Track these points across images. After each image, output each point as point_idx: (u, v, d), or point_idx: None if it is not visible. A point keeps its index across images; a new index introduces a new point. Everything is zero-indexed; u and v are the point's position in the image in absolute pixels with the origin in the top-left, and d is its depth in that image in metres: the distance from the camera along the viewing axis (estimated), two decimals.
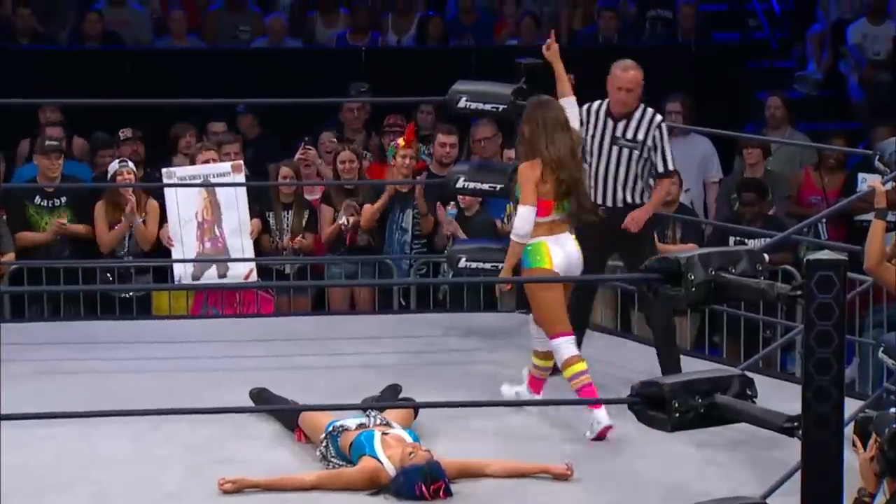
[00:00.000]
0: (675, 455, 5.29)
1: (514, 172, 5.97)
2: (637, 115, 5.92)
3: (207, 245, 7.57)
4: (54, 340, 6.77)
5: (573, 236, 5.64)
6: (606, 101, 6.05)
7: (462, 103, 7.01)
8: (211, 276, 7.49)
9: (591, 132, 5.95)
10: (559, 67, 5.99)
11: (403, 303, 7.84)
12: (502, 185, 7.08)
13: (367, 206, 7.73)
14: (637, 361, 6.35)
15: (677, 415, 3.58)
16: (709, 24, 10.70)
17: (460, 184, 7.13)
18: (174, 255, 7.49)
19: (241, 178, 7.63)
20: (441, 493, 4.91)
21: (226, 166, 7.63)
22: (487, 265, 7.09)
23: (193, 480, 5.09)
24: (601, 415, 5.46)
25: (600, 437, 5.45)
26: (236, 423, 5.59)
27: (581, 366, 5.49)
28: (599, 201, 5.92)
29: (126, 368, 6.40)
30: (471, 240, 7.43)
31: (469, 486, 5.02)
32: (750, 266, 3.64)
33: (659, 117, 5.94)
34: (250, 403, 5.70)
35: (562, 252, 5.60)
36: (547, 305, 5.59)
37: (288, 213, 7.89)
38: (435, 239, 7.80)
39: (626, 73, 5.92)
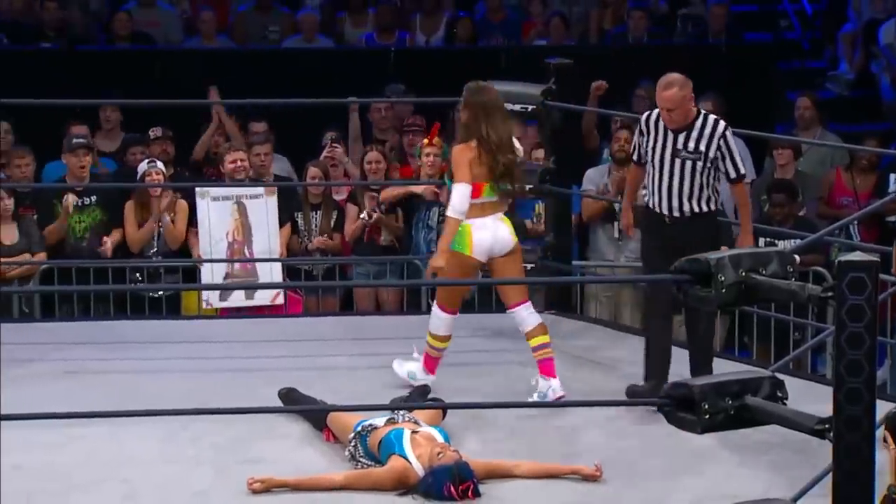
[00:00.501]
0: (704, 457, 5.27)
1: (534, 173, 6.04)
2: (698, 124, 5.72)
3: (237, 266, 7.61)
4: (84, 340, 6.80)
5: (505, 218, 5.89)
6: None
7: None
8: (238, 299, 7.52)
9: (650, 143, 5.78)
10: None
11: (431, 303, 7.83)
12: (531, 186, 7.09)
13: (387, 190, 7.74)
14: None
15: (707, 416, 3.57)
16: (740, 25, 10.67)
17: None
18: (203, 276, 7.52)
19: (273, 201, 7.63)
20: (469, 493, 4.91)
21: (259, 190, 7.65)
22: None
23: (222, 480, 5.10)
24: (556, 384, 5.76)
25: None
26: (265, 423, 5.61)
27: (445, 345, 5.97)
28: (665, 211, 5.76)
29: (155, 368, 6.42)
30: None
31: (497, 487, 5.01)
32: (780, 267, 3.63)
33: (722, 126, 5.72)
34: (279, 403, 5.71)
35: (488, 235, 5.81)
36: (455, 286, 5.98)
37: (316, 214, 7.91)
38: None
39: (665, 93, 5.68)
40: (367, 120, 8.93)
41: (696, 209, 5.75)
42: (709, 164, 5.71)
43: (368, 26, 10.50)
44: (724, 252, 3.64)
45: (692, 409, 3.61)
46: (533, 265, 7.10)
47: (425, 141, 7.78)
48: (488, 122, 5.75)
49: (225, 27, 10.54)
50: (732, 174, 5.74)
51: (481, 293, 7.77)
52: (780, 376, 3.53)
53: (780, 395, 3.57)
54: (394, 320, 7.39)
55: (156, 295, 7.59)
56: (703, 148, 5.68)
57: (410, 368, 6.08)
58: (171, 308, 7.65)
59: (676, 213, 5.75)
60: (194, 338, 6.79)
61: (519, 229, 7.71)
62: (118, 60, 9.66)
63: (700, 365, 5.81)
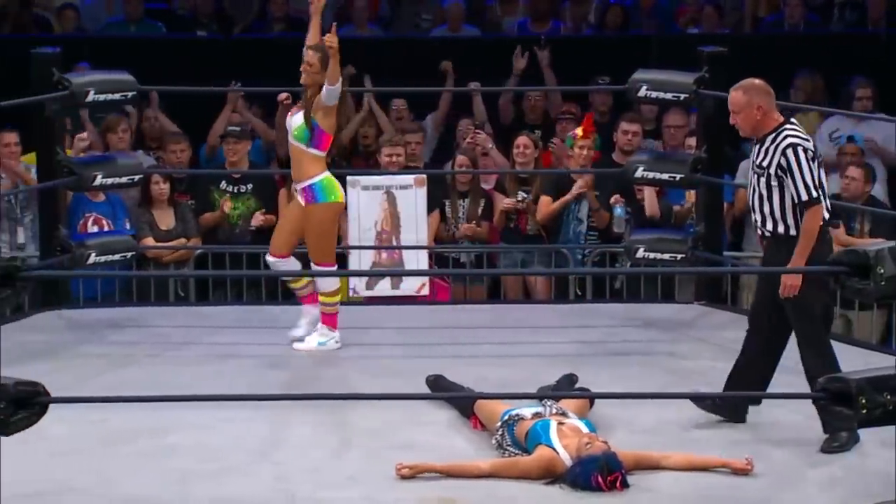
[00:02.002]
0: (863, 454, 5.17)
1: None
2: (770, 138, 5.31)
3: (384, 255, 7.69)
4: (236, 324, 6.92)
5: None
6: None
7: (642, 92, 6.99)
8: (384, 289, 7.59)
9: (751, 157, 5.50)
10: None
11: (579, 292, 7.83)
12: (682, 175, 7.04)
13: (544, 199, 7.73)
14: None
15: (864, 411, 3.52)
16: None
17: (639, 173, 7.12)
18: (350, 265, 7.62)
19: (422, 192, 7.69)
20: (618, 484, 4.89)
21: (409, 179, 7.70)
22: (666, 256, 7.06)
23: (371, 464, 5.15)
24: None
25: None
26: (413, 410, 5.65)
27: (338, 297, 6.48)
28: (758, 229, 5.43)
29: (302, 354, 6.50)
30: (649, 230, 7.39)
31: (646, 479, 4.98)
32: None
33: (788, 141, 5.23)
34: (426, 390, 5.76)
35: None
36: (329, 236, 6.35)
37: (464, 202, 7.95)
38: (610, 228, 7.77)
39: (731, 94, 5.37)
40: (521, 108, 8.96)
41: (771, 228, 5.34)
42: (773, 182, 5.28)
43: (518, 14, 10.49)
44: (884, 243, 3.58)
45: (849, 404, 3.56)
46: (683, 255, 7.04)
47: (578, 131, 7.77)
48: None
49: (377, 15, 10.63)
50: (796, 197, 5.25)
51: (629, 282, 7.73)
52: None
53: None
54: (542, 309, 7.39)
55: None
56: (765, 163, 5.29)
57: (316, 340, 6.44)
58: None
59: (759, 232, 5.43)
60: (342, 324, 6.87)
61: (666, 214, 7.69)
62: (273, 48, 9.79)
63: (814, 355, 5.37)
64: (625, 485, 4.90)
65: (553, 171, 7.91)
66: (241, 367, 6.28)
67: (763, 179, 5.29)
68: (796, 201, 5.25)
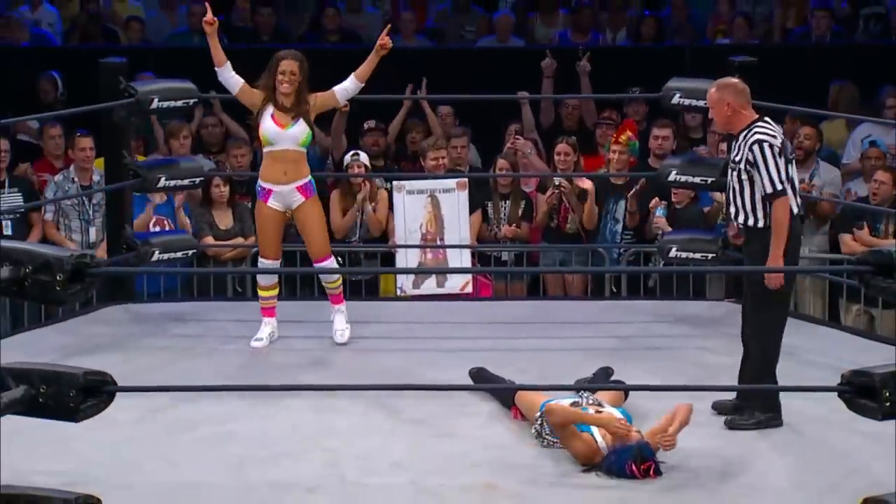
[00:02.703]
0: (880, 441, 5.14)
1: None
2: (742, 135, 5.34)
3: (429, 256, 7.70)
4: (290, 318, 6.94)
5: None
6: None
7: (675, 99, 6.97)
8: (430, 287, 7.61)
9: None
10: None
11: (615, 290, 7.81)
12: (713, 179, 7.01)
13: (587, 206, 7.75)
14: (846, 351, 6.19)
15: (888, 404, 3.50)
16: None
17: (672, 177, 7.09)
18: (398, 263, 7.66)
19: (464, 195, 7.69)
20: (651, 472, 4.88)
21: (451, 183, 7.71)
22: (698, 255, 7.03)
23: (416, 452, 5.17)
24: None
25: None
26: (456, 400, 5.66)
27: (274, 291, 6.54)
28: (735, 223, 5.48)
29: (355, 347, 6.52)
30: (682, 230, 7.37)
31: (677, 471, 4.97)
32: None
33: (756, 136, 5.26)
34: (469, 382, 5.76)
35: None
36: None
37: (505, 203, 7.95)
38: (645, 228, 7.76)
39: (707, 93, 5.43)
40: (559, 115, 8.95)
41: (745, 222, 5.36)
42: (743, 177, 5.30)
43: (559, 26, 10.47)
44: None
45: (873, 396, 3.54)
46: (714, 255, 7.02)
47: (613, 138, 7.77)
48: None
49: (424, 27, 10.64)
50: (762, 190, 5.27)
51: (662, 280, 7.71)
52: None
53: None
54: (579, 305, 7.38)
55: (357, 278, 7.72)
56: (737, 158, 5.33)
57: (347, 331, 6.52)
58: (369, 291, 7.77)
59: (735, 223, 5.46)
60: (392, 318, 6.88)
61: (700, 220, 7.67)
62: (326, 57, 9.83)
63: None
64: (658, 473, 4.89)
65: (582, 175, 7.88)
66: (294, 359, 6.30)
67: (734, 174, 5.37)
68: (763, 194, 5.29)
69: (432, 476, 4.91)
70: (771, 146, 5.27)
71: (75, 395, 3.64)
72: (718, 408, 5.49)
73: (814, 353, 5.89)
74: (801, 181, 7.65)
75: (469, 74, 9.27)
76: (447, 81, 8.79)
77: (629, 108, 8.84)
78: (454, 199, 7.70)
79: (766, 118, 5.40)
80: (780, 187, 5.27)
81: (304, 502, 4.67)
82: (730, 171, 5.41)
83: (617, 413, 5.10)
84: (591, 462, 4.96)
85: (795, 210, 5.34)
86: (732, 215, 5.44)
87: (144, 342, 6.60)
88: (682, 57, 9.54)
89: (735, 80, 5.45)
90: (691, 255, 7.04)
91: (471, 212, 7.76)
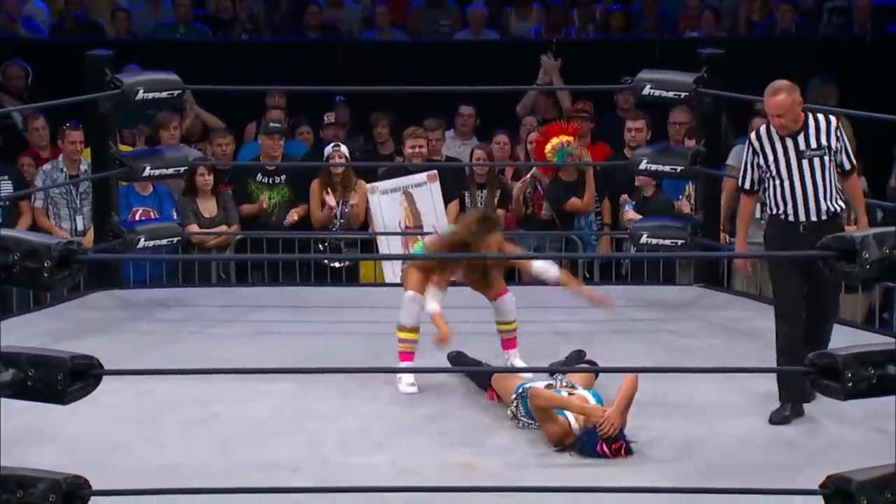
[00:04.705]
0: (843, 420, 5.16)
1: None
2: (811, 124, 5.30)
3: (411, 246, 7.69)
4: (274, 304, 6.94)
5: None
6: (767, 122, 5.41)
7: (647, 90, 6.97)
8: None
9: (772, 156, 5.32)
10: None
11: (588, 275, 7.82)
12: (683, 167, 7.02)
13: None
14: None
15: (850, 384, 3.51)
16: (884, 17, 10.37)
17: (643, 165, 7.11)
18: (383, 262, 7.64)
19: (436, 186, 7.68)
20: (623, 452, 4.89)
21: (422, 176, 7.70)
22: (668, 241, 7.05)
23: (397, 433, 5.17)
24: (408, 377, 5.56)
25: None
26: (434, 383, 5.65)
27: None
28: (802, 218, 5.29)
29: (336, 330, 6.52)
30: (653, 217, 7.38)
31: (648, 446, 4.98)
32: None
33: (834, 119, 5.33)
34: (448, 365, 5.75)
35: None
36: None
37: (482, 192, 7.94)
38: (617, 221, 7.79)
39: (773, 99, 5.25)
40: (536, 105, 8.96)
41: (833, 209, 5.29)
42: (832, 158, 5.28)
43: (533, 20, 10.46)
44: (870, 230, 3.56)
45: (836, 377, 3.55)
46: (683, 241, 7.03)
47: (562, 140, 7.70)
48: None
49: (400, 21, 10.61)
50: (847, 165, 5.30)
51: (634, 266, 7.71)
52: None
53: None
54: (553, 290, 7.35)
55: (337, 265, 7.71)
56: (825, 142, 5.26)
57: None
58: (350, 277, 7.76)
59: (814, 218, 5.28)
60: (371, 304, 6.87)
61: (668, 208, 7.68)
62: (307, 50, 9.82)
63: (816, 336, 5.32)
64: (629, 452, 4.90)
65: (557, 164, 7.86)
66: (277, 343, 6.29)
67: (825, 159, 5.27)
68: (847, 168, 5.32)
69: (412, 456, 4.91)
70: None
71: (63, 379, 3.62)
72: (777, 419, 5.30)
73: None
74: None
75: (444, 67, 9.26)
76: (422, 75, 8.79)
77: (619, 98, 8.81)
78: (427, 192, 7.71)
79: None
80: (855, 163, 5.39)
81: (287, 482, 4.66)
82: (804, 162, 5.26)
83: (589, 395, 5.10)
84: (562, 443, 4.96)
85: None
86: (813, 209, 5.26)
87: (130, 327, 6.58)
88: (653, 49, 9.54)
89: (786, 81, 5.30)
90: (661, 241, 7.06)
91: (448, 201, 7.75)
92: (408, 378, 5.59)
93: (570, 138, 7.66)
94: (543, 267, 5.77)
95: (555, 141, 7.65)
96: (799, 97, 5.28)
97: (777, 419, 5.24)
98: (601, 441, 4.87)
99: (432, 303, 5.61)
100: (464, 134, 8.65)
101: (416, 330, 5.68)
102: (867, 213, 5.54)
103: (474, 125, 8.69)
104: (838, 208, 5.31)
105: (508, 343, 5.82)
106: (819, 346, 5.12)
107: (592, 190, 7.73)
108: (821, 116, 5.33)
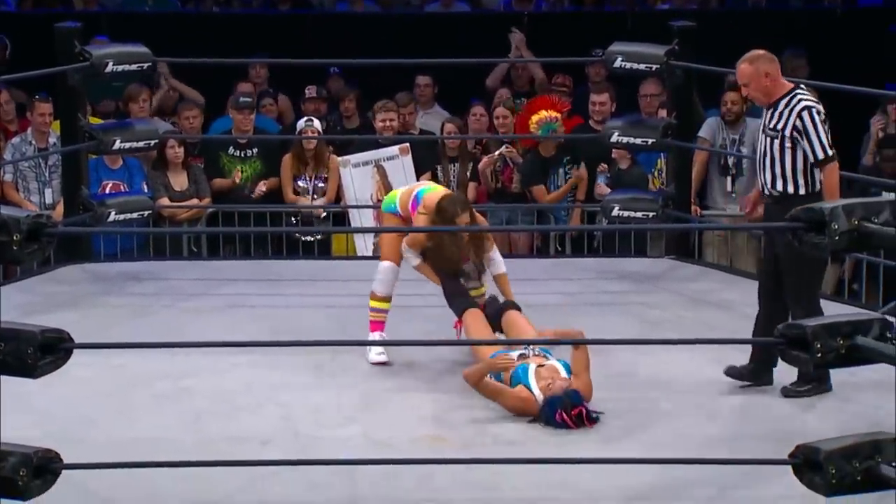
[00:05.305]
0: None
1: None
2: (783, 102, 5.23)
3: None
4: (245, 277, 6.92)
5: None
6: None
7: (618, 63, 6.97)
8: None
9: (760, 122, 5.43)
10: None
11: (560, 248, 7.83)
12: (654, 140, 7.03)
13: (538, 190, 7.73)
14: None
15: (819, 355, 3.54)
16: None
17: (614, 138, 7.11)
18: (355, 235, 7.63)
19: (408, 159, 7.66)
20: (585, 419, 4.88)
21: (394, 149, 7.68)
22: (639, 214, 7.06)
23: (368, 406, 5.17)
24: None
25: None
26: (408, 355, 5.66)
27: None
28: (763, 189, 5.34)
29: (307, 304, 6.51)
30: (623, 190, 7.39)
31: (619, 417, 5.00)
32: (892, 216, 3.56)
33: (804, 103, 5.18)
34: (422, 337, 5.76)
35: None
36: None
37: (454, 166, 7.93)
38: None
39: (738, 67, 5.26)
40: (510, 77, 8.92)
41: (781, 188, 5.25)
42: (787, 144, 5.20)
43: None
44: (839, 201, 3.58)
45: (805, 348, 3.58)
46: (654, 213, 7.05)
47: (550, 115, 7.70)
48: None
49: None
50: (813, 157, 5.19)
51: (605, 238, 7.73)
52: (890, 318, 3.47)
53: (889, 335, 3.51)
54: (525, 262, 7.39)
55: (309, 238, 7.69)
56: (779, 126, 5.21)
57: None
58: (322, 251, 7.74)
59: (767, 192, 5.31)
60: (343, 277, 6.86)
61: (641, 181, 7.69)
62: (274, 23, 9.77)
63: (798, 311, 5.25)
64: (592, 420, 4.90)
65: (529, 136, 7.85)
66: (248, 317, 6.28)
67: (777, 142, 5.22)
68: (812, 161, 5.19)
69: (382, 429, 4.92)
70: (819, 112, 5.19)
71: (33, 353, 3.61)
72: (734, 374, 5.34)
73: (751, 307, 5.92)
74: (734, 141, 7.71)
75: (415, 40, 9.23)
76: (394, 47, 8.75)
77: (591, 70, 8.79)
78: (399, 165, 7.69)
79: (802, 85, 5.32)
80: (830, 153, 5.18)
81: (259, 454, 4.66)
82: (765, 138, 5.25)
83: (559, 364, 5.11)
84: (527, 414, 4.98)
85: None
86: (768, 183, 5.26)
87: (101, 300, 6.55)
88: (625, 22, 9.54)
89: (762, 50, 5.27)
90: (633, 213, 7.08)
91: (420, 175, 7.73)
92: (377, 347, 5.59)
93: (558, 115, 7.67)
94: (498, 260, 5.78)
95: (543, 114, 7.65)
96: (767, 68, 5.21)
97: (789, 393, 5.21)
98: (560, 410, 4.88)
99: (415, 258, 5.66)
100: (424, 104, 8.60)
101: (388, 299, 5.68)
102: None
103: (432, 94, 8.64)
104: (791, 190, 5.22)
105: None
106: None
107: (564, 193, 7.72)
108: (796, 98, 5.21)
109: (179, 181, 7.75)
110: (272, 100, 8.54)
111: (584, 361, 5.06)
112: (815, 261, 5.17)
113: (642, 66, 6.94)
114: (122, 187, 7.58)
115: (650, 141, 7.05)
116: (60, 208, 7.26)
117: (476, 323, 5.46)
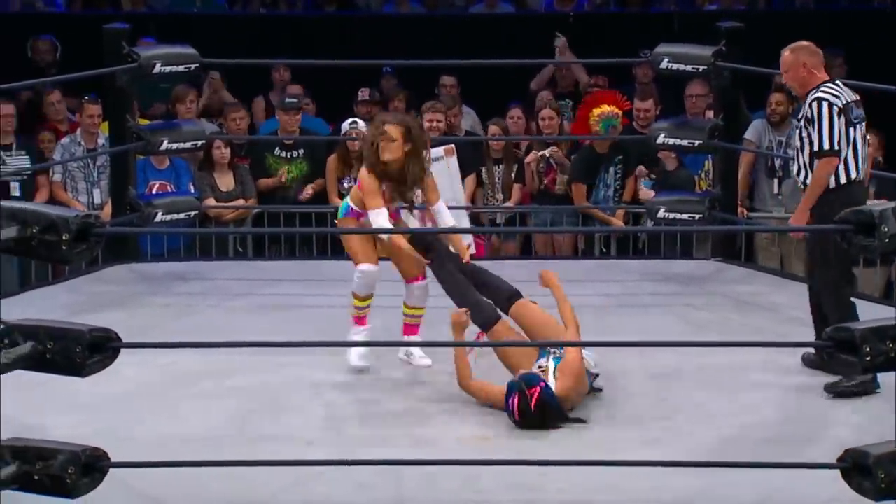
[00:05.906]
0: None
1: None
2: (811, 94, 5.23)
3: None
4: (290, 277, 6.94)
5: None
6: None
7: (664, 64, 6.94)
8: None
9: None
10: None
11: (605, 250, 7.81)
12: (701, 141, 6.99)
13: (578, 188, 7.70)
14: None
15: (868, 358, 3.50)
16: None
17: (661, 140, 7.08)
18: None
19: (453, 160, 7.63)
20: (536, 398, 4.80)
21: (439, 150, 7.65)
22: (685, 216, 7.03)
23: (413, 405, 5.17)
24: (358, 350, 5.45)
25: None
26: (444, 355, 5.62)
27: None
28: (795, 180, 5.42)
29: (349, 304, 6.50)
30: (670, 191, 7.35)
31: (662, 420, 4.98)
32: None
33: (818, 94, 5.16)
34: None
35: None
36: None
37: (499, 168, 7.93)
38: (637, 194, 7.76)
39: (781, 56, 5.32)
40: (555, 79, 8.91)
41: (805, 180, 5.25)
42: (804, 133, 5.20)
43: None
44: (888, 203, 3.55)
45: (853, 352, 3.54)
46: (701, 215, 7.01)
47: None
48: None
49: None
50: (815, 146, 5.16)
51: (650, 240, 7.69)
52: None
53: None
54: (568, 264, 7.36)
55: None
56: (800, 116, 5.27)
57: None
58: None
59: (801, 184, 5.32)
60: (385, 277, 6.85)
61: (688, 182, 7.65)
62: (325, 24, 9.80)
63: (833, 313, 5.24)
64: (544, 404, 4.79)
65: (574, 137, 7.83)
66: (294, 317, 6.29)
67: (797, 132, 5.28)
68: (813, 149, 5.18)
69: (427, 429, 4.92)
70: (830, 105, 5.15)
71: (81, 351, 3.64)
72: (808, 361, 5.38)
73: (799, 310, 5.88)
74: (780, 143, 7.65)
75: (460, 41, 9.23)
76: (439, 48, 8.75)
77: (638, 71, 8.75)
78: (444, 167, 7.67)
79: (837, 81, 5.32)
80: (826, 146, 5.14)
81: (304, 454, 4.67)
82: (796, 129, 5.36)
83: (552, 363, 5.03)
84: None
85: (854, 175, 5.18)
86: (796, 173, 5.32)
87: (148, 300, 6.59)
88: (672, 23, 9.49)
89: (806, 42, 5.32)
90: (679, 215, 7.04)
91: (465, 176, 7.72)
92: (359, 350, 5.50)
93: (619, 112, 7.64)
94: (444, 212, 5.69)
95: (605, 108, 7.62)
96: (806, 59, 5.24)
97: (836, 390, 5.16)
98: (512, 397, 4.82)
99: (380, 217, 5.48)
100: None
101: (369, 297, 5.59)
102: (812, 206, 5.19)
103: (457, 94, 8.62)
104: (810, 180, 5.22)
105: (410, 329, 5.60)
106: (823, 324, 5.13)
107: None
108: (821, 88, 5.21)
109: (225, 182, 7.79)
110: (309, 100, 8.53)
111: (569, 311, 5.08)
112: (838, 250, 5.06)
113: (689, 68, 6.91)
114: (168, 188, 7.63)
115: (697, 142, 7.01)
116: (108, 208, 7.32)
117: (507, 336, 5.38)
